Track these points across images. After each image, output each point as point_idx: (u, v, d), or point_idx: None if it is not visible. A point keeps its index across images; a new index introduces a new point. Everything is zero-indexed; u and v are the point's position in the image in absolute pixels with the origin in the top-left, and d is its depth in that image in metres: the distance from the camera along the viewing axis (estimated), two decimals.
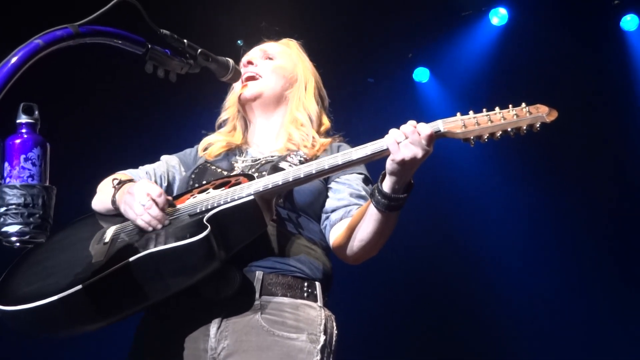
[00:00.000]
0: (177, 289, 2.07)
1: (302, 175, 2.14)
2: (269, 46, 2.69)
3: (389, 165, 2.07)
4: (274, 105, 2.59)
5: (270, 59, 2.63)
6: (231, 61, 2.07)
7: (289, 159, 2.38)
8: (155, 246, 2.03)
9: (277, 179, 2.14)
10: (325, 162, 2.15)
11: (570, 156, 5.72)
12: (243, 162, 2.47)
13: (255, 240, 2.17)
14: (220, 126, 2.70)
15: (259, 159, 2.47)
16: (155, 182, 2.47)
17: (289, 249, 2.26)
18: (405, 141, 2.05)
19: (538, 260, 5.70)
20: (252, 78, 2.58)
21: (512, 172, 5.74)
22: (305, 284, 2.25)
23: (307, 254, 2.29)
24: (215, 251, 2.05)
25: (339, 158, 2.13)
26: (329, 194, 2.40)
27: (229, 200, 2.13)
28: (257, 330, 2.13)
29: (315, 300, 2.25)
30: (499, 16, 5.79)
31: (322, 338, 2.18)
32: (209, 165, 2.48)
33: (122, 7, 1.86)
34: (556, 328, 5.54)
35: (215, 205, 2.14)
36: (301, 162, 2.33)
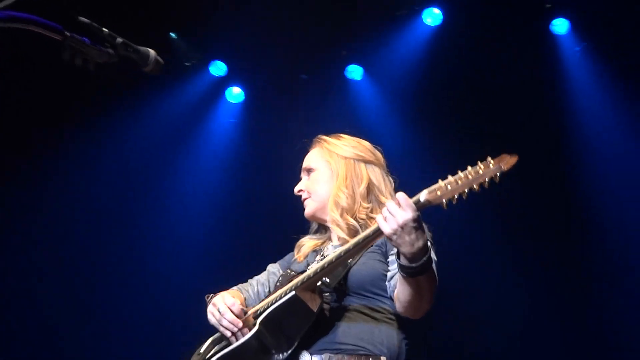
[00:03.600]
0: None
1: (326, 266, 2.42)
2: (307, 162, 2.92)
3: (389, 241, 2.31)
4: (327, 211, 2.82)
5: (309, 172, 2.90)
6: (152, 52, 1.97)
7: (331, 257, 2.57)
8: (229, 346, 2.50)
9: (309, 273, 2.44)
10: (341, 250, 2.43)
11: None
12: (317, 261, 2.68)
13: (321, 324, 2.44)
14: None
15: (325, 255, 2.72)
16: (258, 291, 2.82)
17: (352, 329, 2.48)
18: (388, 215, 2.23)
19: None
20: (305, 199, 2.88)
21: None
22: None
23: (371, 332, 2.49)
24: (267, 345, 2.43)
25: (351, 245, 2.39)
26: (389, 267, 2.61)
27: (276, 300, 2.46)
28: None
29: None
30: (432, 16, 5.79)
31: None
32: (289, 271, 2.73)
33: None
34: None
35: (269, 306, 2.47)
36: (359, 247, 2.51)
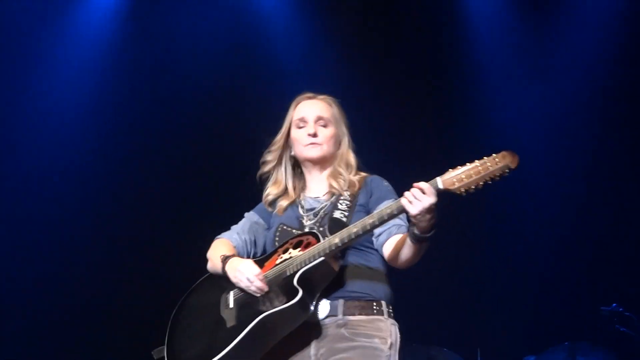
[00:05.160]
0: (287, 333, 2.90)
1: (353, 237, 2.86)
2: (321, 111, 3.27)
3: (410, 218, 2.75)
4: (326, 163, 3.24)
5: (324, 126, 3.23)
6: None
7: (339, 205, 3.10)
8: (266, 310, 2.86)
9: (336, 241, 2.87)
10: (367, 223, 2.84)
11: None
12: (308, 218, 3.15)
13: (335, 277, 2.94)
14: (263, 175, 3.34)
15: (317, 212, 3.15)
16: (245, 240, 3.23)
17: (358, 278, 3.00)
18: (414, 200, 2.69)
19: None
20: (317, 143, 3.20)
21: None
22: (374, 304, 2.99)
23: (371, 279, 3.02)
24: (308, 303, 2.87)
25: (377, 218, 2.83)
26: None
27: (307, 263, 2.88)
28: (343, 339, 2.92)
29: (382, 315, 2.99)
30: None
31: (389, 340, 2.96)
32: (285, 227, 3.16)
33: None
34: None
35: (299, 268, 2.89)
36: (348, 207, 3.09)
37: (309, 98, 3.31)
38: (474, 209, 5.52)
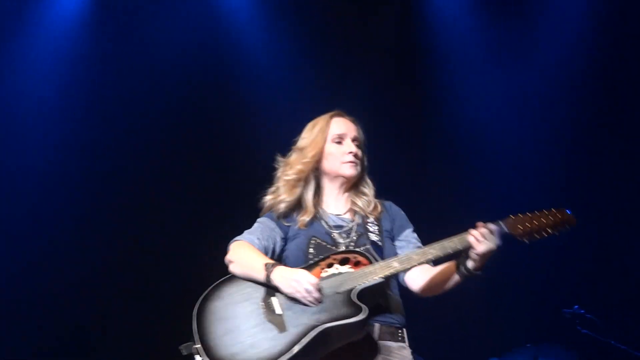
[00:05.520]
0: (338, 347, 2.91)
1: (414, 264, 2.98)
2: (356, 131, 3.34)
3: (472, 255, 2.88)
4: (351, 183, 3.30)
5: (358, 147, 3.30)
6: None
7: (369, 228, 3.20)
8: (327, 322, 2.85)
9: (395, 265, 2.97)
10: (430, 254, 2.96)
11: None
12: (340, 236, 3.19)
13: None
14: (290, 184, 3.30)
15: (348, 231, 3.21)
16: (266, 247, 3.17)
17: (390, 305, 3.10)
18: (482, 239, 2.86)
19: None
20: (354, 162, 3.27)
21: None
22: (399, 332, 3.10)
23: (397, 306, 3.13)
24: (367, 321, 2.89)
25: (439, 250, 2.95)
26: (397, 250, 3.22)
27: (367, 282, 2.93)
28: None
29: (405, 342, 3.11)
30: None
31: None
32: (320, 241, 3.17)
33: None
34: None
35: (356, 285, 2.93)
36: (379, 231, 3.19)
37: (341, 116, 3.35)
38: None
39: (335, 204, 3.30)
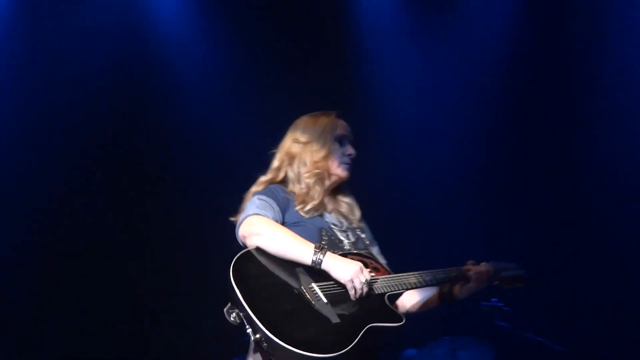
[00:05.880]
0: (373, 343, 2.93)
1: (424, 284, 3.18)
2: (350, 133, 3.39)
3: (470, 285, 3.25)
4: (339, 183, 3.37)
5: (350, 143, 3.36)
6: None
7: (359, 232, 3.31)
8: (371, 321, 2.87)
9: (413, 280, 3.14)
10: (438, 278, 3.22)
11: None
12: (341, 235, 3.22)
13: None
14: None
15: (346, 232, 3.26)
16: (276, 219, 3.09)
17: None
18: (481, 277, 3.27)
19: None
20: (350, 165, 3.33)
21: None
22: None
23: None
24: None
25: (445, 276, 3.24)
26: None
27: (394, 290, 3.07)
28: None
29: None
30: None
31: None
32: (331, 237, 3.16)
33: None
34: None
35: (385, 292, 3.04)
36: (366, 236, 3.32)
37: (341, 117, 3.38)
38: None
39: (326, 203, 3.32)
